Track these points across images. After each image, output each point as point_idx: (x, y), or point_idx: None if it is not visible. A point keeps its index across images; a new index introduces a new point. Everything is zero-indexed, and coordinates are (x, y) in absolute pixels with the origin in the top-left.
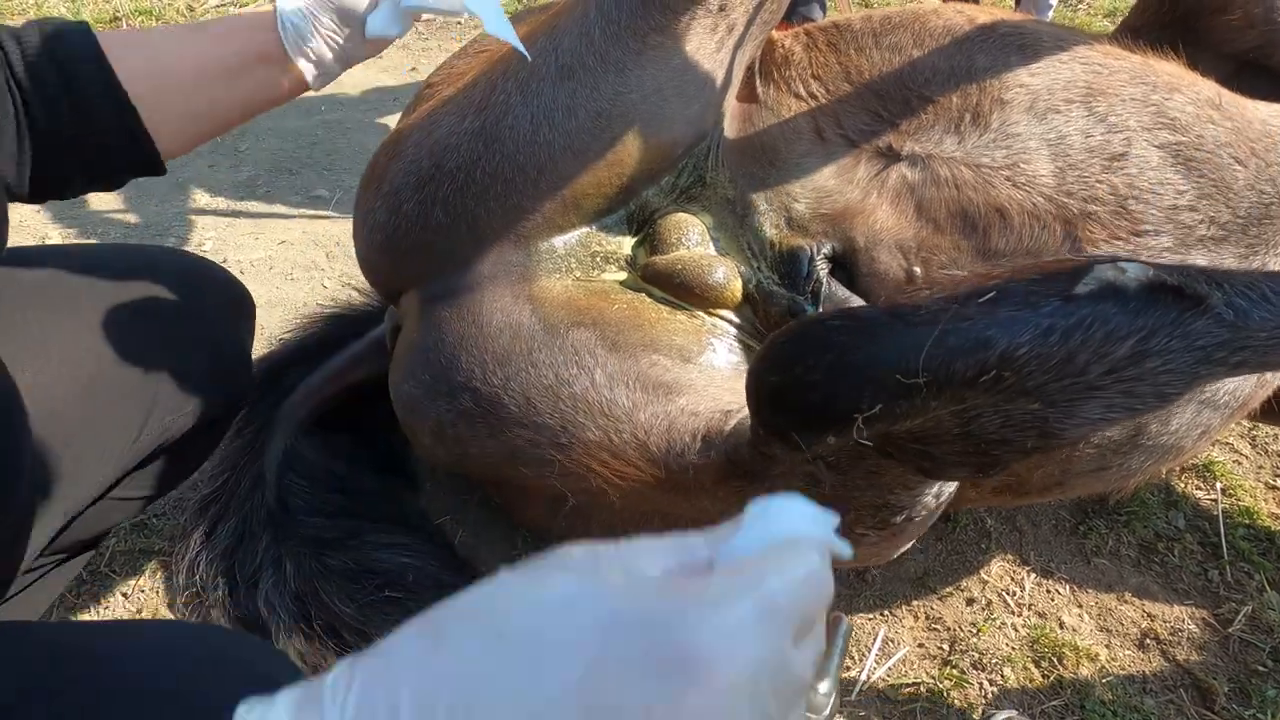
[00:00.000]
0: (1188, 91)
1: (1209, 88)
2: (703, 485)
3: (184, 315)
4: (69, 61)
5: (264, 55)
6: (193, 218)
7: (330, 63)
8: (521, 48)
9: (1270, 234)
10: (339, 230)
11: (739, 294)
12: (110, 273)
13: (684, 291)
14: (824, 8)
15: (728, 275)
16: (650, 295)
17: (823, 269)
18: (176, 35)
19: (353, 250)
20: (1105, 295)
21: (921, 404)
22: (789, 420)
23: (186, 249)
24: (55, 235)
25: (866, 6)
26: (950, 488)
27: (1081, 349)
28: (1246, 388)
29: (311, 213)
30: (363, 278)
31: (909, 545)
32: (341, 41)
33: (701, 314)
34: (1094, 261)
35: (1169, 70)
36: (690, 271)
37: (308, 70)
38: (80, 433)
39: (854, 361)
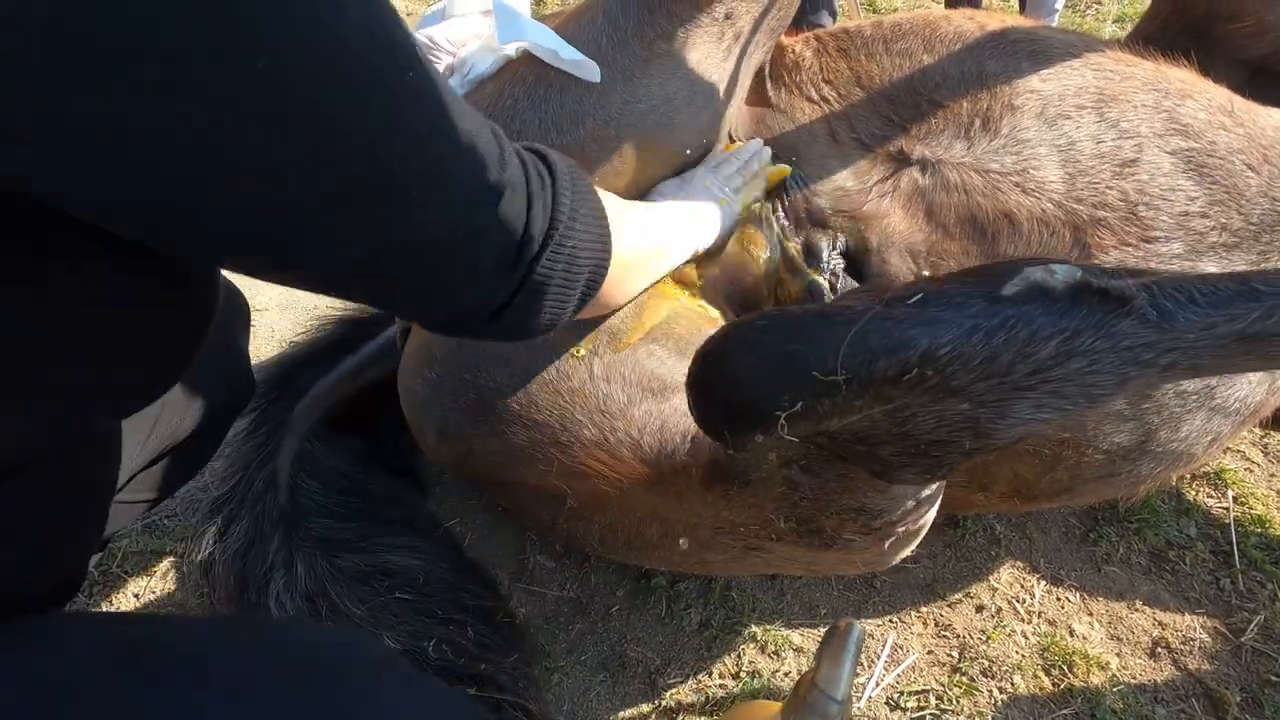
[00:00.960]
0: (1200, 98)
1: (1221, 94)
2: (692, 488)
3: None
4: None
5: None
6: None
7: None
8: (595, 72)
9: None
10: None
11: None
12: None
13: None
14: (834, 15)
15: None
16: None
17: (839, 263)
18: None
19: None
20: (1031, 296)
21: (844, 402)
22: (718, 419)
23: None
24: None
25: (875, 13)
26: (928, 492)
27: (1005, 349)
28: (1258, 395)
29: None
30: None
31: (907, 552)
32: None
33: (705, 303)
34: (1025, 263)
35: (1181, 77)
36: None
37: None
38: None
39: (774, 360)
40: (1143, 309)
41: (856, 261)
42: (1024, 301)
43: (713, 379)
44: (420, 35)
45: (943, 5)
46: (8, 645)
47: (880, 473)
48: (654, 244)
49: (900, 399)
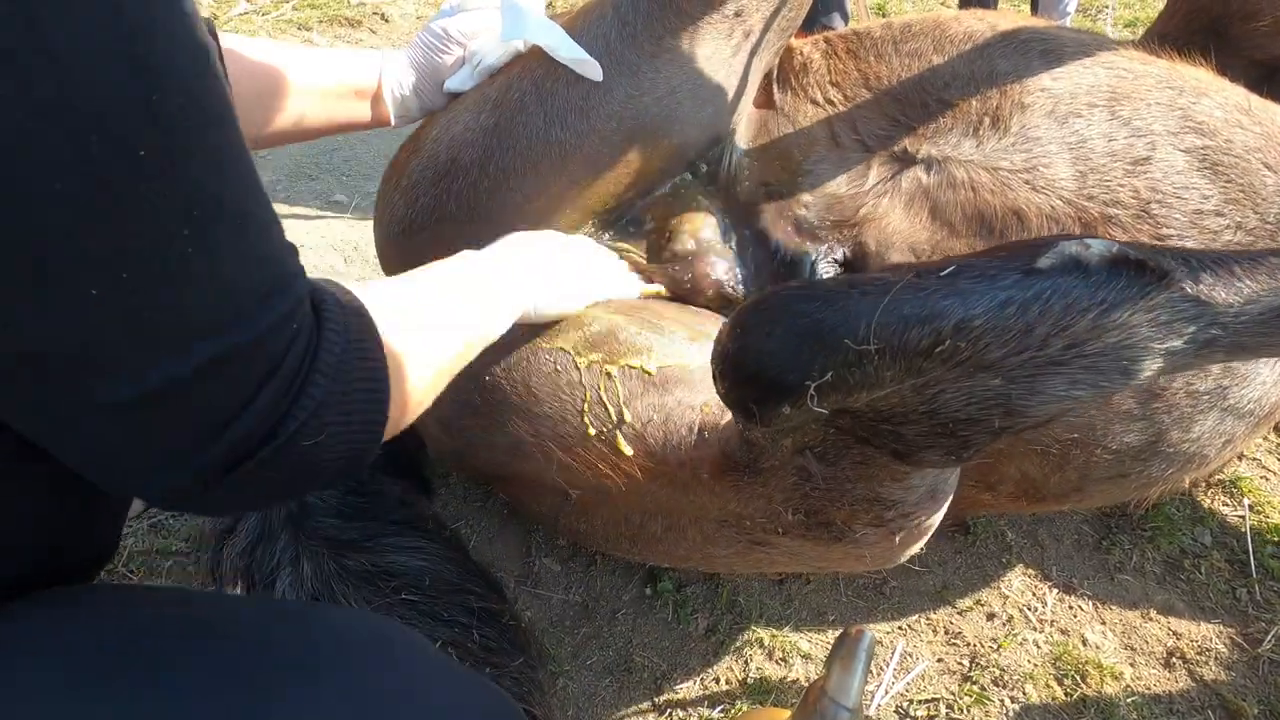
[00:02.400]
0: (1216, 96)
1: (1238, 93)
2: (700, 480)
3: None
4: None
5: (361, 91)
6: None
7: (414, 109)
8: (596, 70)
9: None
10: (357, 235)
11: (740, 297)
12: None
13: (691, 291)
14: (846, 18)
15: (732, 278)
16: (658, 294)
17: (827, 273)
18: (291, 50)
19: (370, 255)
20: (1066, 269)
21: (875, 374)
22: (745, 391)
23: None
24: None
25: (883, 16)
26: (944, 481)
27: (1039, 321)
28: (1273, 396)
29: (330, 216)
30: (383, 273)
31: (915, 549)
32: (427, 92)
33: (703, 309)
34: (1060, 238)
35: (1197, 75)
36: (697, 268)
37: (394, 111)
38: None
39: (806, 329)
40: (1182, 282)
41: (853, 267)
42: (1059, 274)
43: (741, 349)
44: (435, 26)
45: (955, 8)
46: (48, 615)
47: (903, 454)
48: (459, 348)
49: (931, 372)
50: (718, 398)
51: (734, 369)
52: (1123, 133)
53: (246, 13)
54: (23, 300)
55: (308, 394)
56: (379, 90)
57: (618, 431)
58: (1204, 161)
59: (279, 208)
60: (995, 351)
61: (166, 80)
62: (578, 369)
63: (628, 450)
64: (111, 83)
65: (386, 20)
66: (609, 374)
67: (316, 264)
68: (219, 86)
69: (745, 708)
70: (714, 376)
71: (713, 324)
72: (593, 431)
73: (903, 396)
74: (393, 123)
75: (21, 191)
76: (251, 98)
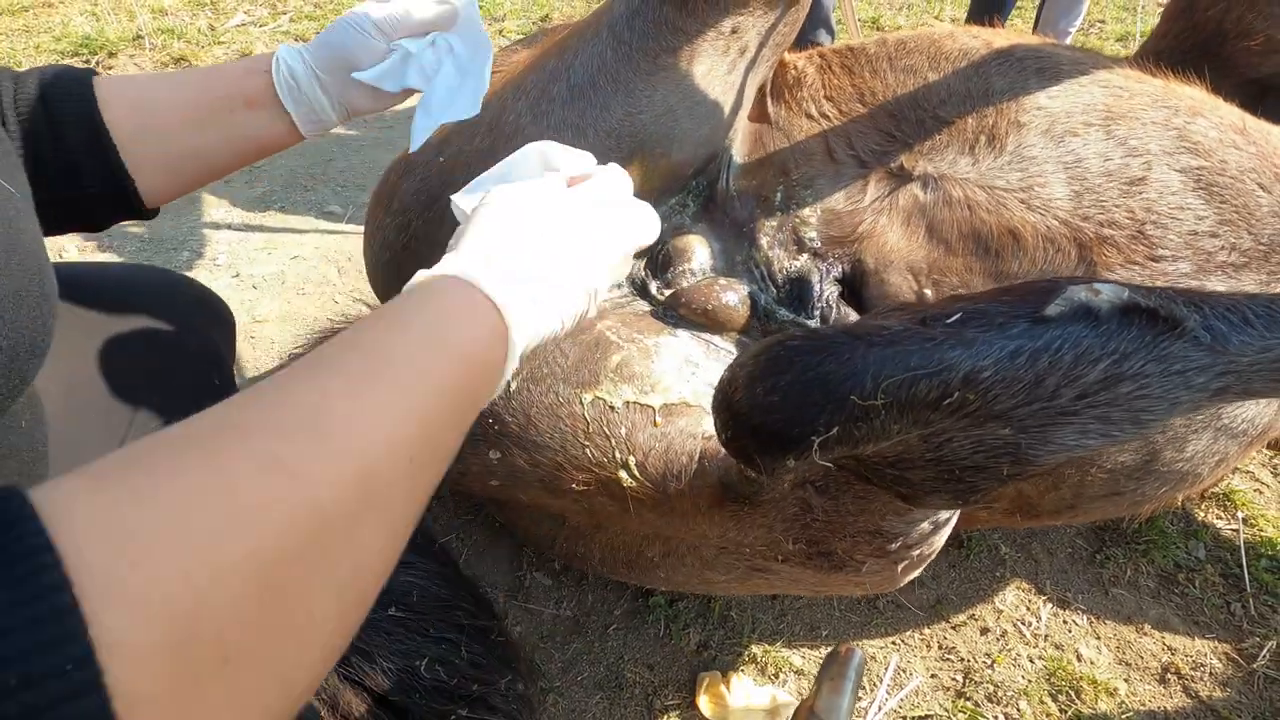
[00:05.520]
0: (1211, 116)
1: (1233, 112)
2: (699, 509)
3: (160, 324)
4: (58, 104)
5: (252, 101)
6: (206, 232)
7: (324, 108)
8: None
9: None
10: (351, 245)
11: (746, 317)
12: (87, 293)
13: (691, 312)
14: (832, 34)
15: (740, 299)
16: (657, 318)
17: (832, 292)
18: (165, 79)
19: (364, 265)
20: (1077, 317)
21: (882, 427)
22: (748, 443)
23: (198, 263)
24: (72, 249)
25: (879, 29)
26: (947, 515)
27: (1050, 372)
28: (1266, 416)
29: (325, 227)
30: (373, 293)
31: (917, 573)
32: (336, 88)
33: (704, 335)
34: (1068, 282)
35: (1192, 94)
36: (702, 294)
37: (295, 113)
38: (64, 441)
39: (811, 382)
40: (1195, 331)
41: (854, 285)
42: (1069, 322)
43: (744, 401)
44: (349, 15)
45: (948, 23)
46: None
47: (908, 497)
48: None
49: (938, 423)
50: (715, 430)
51: (736, 420)
52: (1118, 152)
53: (244, 24)
54: None
55: None
56: (275, 93)
57: (619, 464)
58: (1199, 182)
59: (274, 218)
60: (1005, 402)
61: None
62: (580, 403)
63: (629, 482)
64: None
65: None
66: (612, 407)
67: (310, 275)
68: None
69: None
70: (716, 425)
71: (705, 346)
72: (594, 463)
73: (908, 444)
74: (302, 130)
75: None
76: (135, 142)
